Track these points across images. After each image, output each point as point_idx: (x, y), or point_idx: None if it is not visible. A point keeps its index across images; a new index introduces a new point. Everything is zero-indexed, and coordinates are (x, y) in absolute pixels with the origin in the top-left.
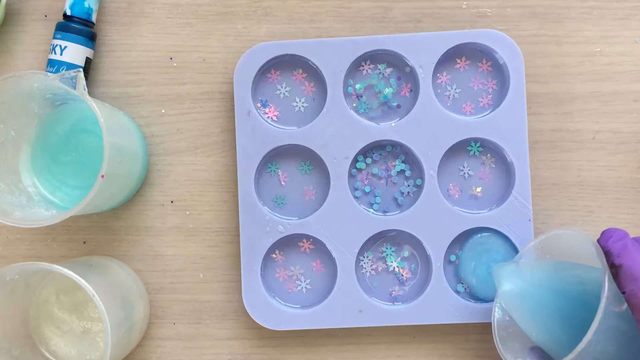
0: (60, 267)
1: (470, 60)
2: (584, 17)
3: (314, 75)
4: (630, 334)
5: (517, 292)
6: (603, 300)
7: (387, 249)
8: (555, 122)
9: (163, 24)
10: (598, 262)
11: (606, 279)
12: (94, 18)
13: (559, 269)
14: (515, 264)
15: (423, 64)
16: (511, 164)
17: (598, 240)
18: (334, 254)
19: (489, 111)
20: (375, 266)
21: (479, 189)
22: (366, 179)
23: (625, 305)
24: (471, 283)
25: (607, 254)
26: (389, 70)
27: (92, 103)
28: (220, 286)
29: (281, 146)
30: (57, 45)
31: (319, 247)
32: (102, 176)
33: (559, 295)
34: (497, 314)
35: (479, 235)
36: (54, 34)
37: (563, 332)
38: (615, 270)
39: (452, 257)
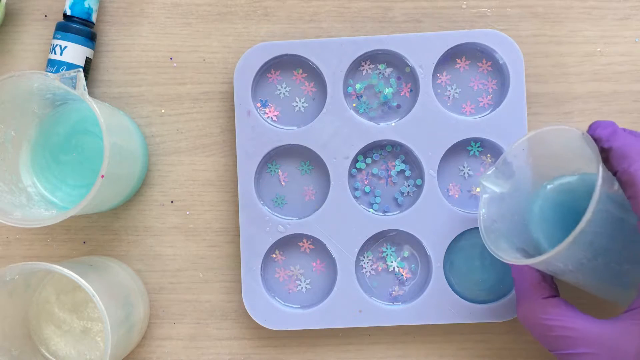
0: (60, 267)
1: (470, 60)
2: (584, 17)
3: (314, 75)
4: (621, 216)
5: (498, 197)
6: (599, 181)
7: (387, 249)
8: (555, 122)
9: (163, 24)
10: (581, 162)
11: (599, 161)
12: (94, 18)
13: (540, 173)
14: (496, 169)
15: (423, 64)
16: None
17: (587, 131)
18: (334, 254)
19: (489, 111)
20: (375, 266)
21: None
22: (366, 179)
23: (616, 186)
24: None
25: (597, 140)
26: (389, 70)
27: (92, 103)
28: (220, 286)
29: (281, 146)
30: (57, 45)
31: (319, 247)
32: (102, 176)
33: (540, 198)
34: (482, 217)
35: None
36: (54, 34)
37: (543, 234)
38: (605, 154)
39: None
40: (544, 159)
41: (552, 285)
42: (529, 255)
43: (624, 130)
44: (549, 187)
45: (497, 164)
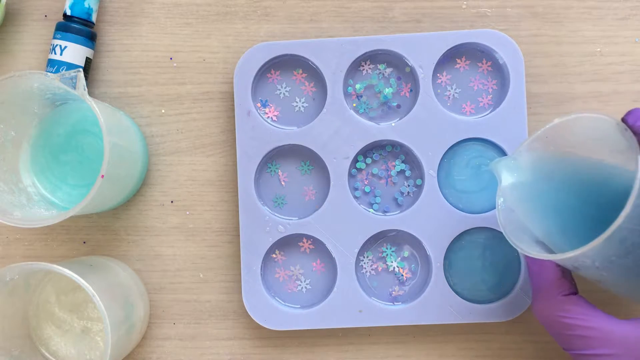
0: (60, 267)
1: (470, 60)
2: (584, 17)
3: (314, 75)
4: None
5: (518, 186)
6: (639, 174)
7: (387, 249)
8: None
9: (163, 24)
10: (605, 151)
11: (638, 152)
12: (94, 18)
13: (562, 162)
14: (514, 158)
15: (423, 64)
16: None
17: (625, 120)
18: (334, 254)
19: (489, 111)
20: (375, 266)
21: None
22: (366, 179)
23: None
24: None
25: (637, 132)
26: (389, 70)
27: (92, 103)
28: (220, 286)
29: (281, 146)
30: (57, 45)
31: (319, 247)
32: (102, 176)
33: (562, 189)
34: (500, 206)
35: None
36: (54, 34)
37: (563, 227)
38: None
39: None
40: (566, 148)
41: (571, 281)
42: (546, 247)
43: None
44: (572, 178)
45: (516, 151)
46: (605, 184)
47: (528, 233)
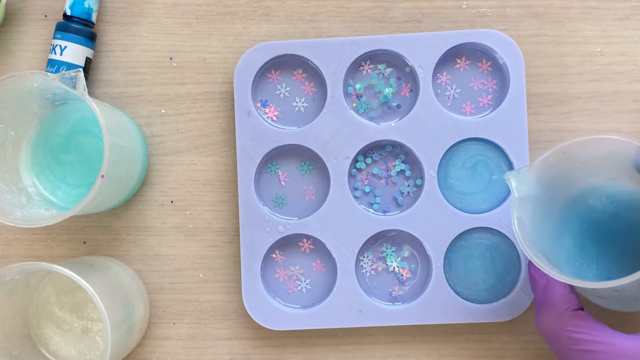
0: (60, 267)
1: (470, 60)
2: (584, 17)
3: (314, 75)
4: None
5: (530, 199)
6: None
7: (387, 249)
8: (555, 122)
9: (163, 24)
10: (619, 172)
11: None
12: (94, 18)
13: (576, 180)
14: (529, 170)
15: (423, 64)
16: (511, 164)
17: None
18: (334, 254)
19: (489, 111)
20: (375, 266)
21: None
22: (366, 179)
23: None
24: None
25: None
26: (389, 70)
27: (92, 103)
28: (220, 286)
29: (281, 146)
30: (57, 45)
31: (319, 247)
32: (102, 176)
33: (576, 209)
34: (516, 220)
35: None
36: (54, 34)
37: (575, 246)
38: None
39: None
40: (581, 166)
41: (578, 296)
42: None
43: None
44: (583, 197)
45: (534, 164)
46: (627, 205)
47: (537, 247)
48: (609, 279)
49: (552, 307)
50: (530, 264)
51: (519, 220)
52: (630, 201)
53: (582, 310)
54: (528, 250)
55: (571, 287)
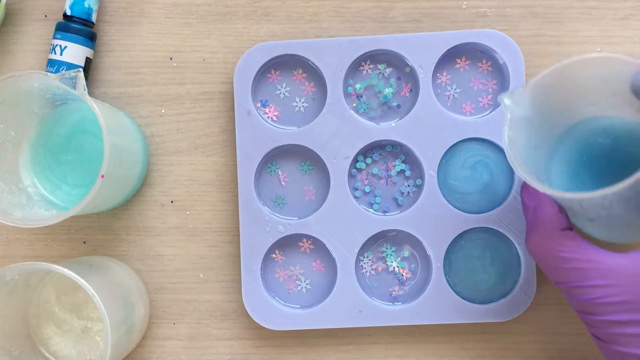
0: (60, 267)
1: (470, 60)
2: (584, 17)
3: (314, 75)
4: None
5: (522, 123)
6: None
7: (387, 249)
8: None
9: (163, 24)
10: (616, 99)
11: None
12: (94, 18)
13: (571, 106)
14: (524, 91)
15: (423, 64)
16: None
17: None
18: (334, 254)
19: (489, 111)
20: (375, 266)
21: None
22: (366, 179)
23: None
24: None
25: None
26: (389, 70)
27: (92, 103)
28: (220, 286)
29: (281, 146)
30: (57, 45)
31: (319, 247)
32: (102, 176)
33: (569, 135)
34: (506, 137)
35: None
36: (54, 34)
37: (566, 173)
38: None
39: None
40: (580, 91)
41: (567, 217)
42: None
43: None
44: (581, 126)
45: (529, 84)
46: (619, 132)
47: (528, 169)
48: (609, 224)
49: (541, 227)
50: (522, 188)
51: (510, 138)
52: (629, 132)
53: (571, 230)
54: (516, 164)
55: (560, 208)
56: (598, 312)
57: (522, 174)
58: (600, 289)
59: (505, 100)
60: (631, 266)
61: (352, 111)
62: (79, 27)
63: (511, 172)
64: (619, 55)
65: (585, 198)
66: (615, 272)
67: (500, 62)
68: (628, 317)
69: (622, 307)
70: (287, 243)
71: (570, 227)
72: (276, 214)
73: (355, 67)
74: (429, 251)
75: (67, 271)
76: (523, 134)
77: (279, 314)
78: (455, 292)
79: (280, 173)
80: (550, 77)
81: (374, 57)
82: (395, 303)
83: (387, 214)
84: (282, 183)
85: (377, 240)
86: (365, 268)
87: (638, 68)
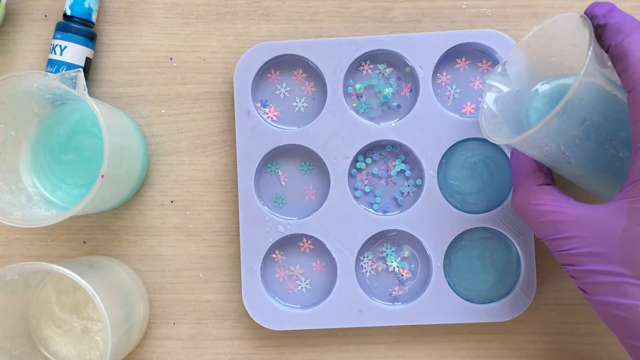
0: (60, 267)
1: (470, 60)
2: None
3: (314, 75)
4: (615, 93)
5: (504, 95)
6: (589, 52)
7: (387, 249)
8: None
9: (163, 24)
10: (580, 59)
11: (592, 35)
12: (94, 18)
13: (541, 72)
14: (502, 68)
15: (423, 64)
16: None
17: (585, 12)
18: (334, 254)
19: None
20: (375, 266)
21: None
22: (366, 179)
23: (609, 64)
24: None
25: (593, 17)
26: (389, 70)
27: (92, 103)
28: (220, 286)
29: (281, 146)
30: (57, 45)
31: (319, 247)
32: (102, 176)
33: (535, 98)
34: (484, 111)
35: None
36: (54, 34)
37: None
38: (600, 30)
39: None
40: (545, 57)
41: (547, 174)
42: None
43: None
44: (543, 87)
45: (502, 62)
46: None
47: (507, 136)
48: (584, 176)
49: (520, 185)
50: (510, 158)
51: (486, 111)
52: (601, 99)
53: (549, 185)
54: (484, 129)
55: (539, 166)
56: (575, 262)
57: (487, 134)
58: (575, 240)
59: (489, 81)
60: (599, 218)
61: (352, 111)
62: (79, 27)
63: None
64: (571, 12)
65: (525, 136)
66: (586, 223)
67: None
68: (601, 267)
69: (595, 258)
70: (287, 243)
71: (549, 182)
72: (276, 214)
73: (355, 67)
74: (429, 251)
75: (67, 271)
76: (503, 106)
77: (279, 314)
78: (455, 292)
79: (280, 173)
80: (521, 52)
81: (374, 57)
82: (395, 303)
83: (387, 214)
84: (282, 183)
85: (377, 240)
86: (365, 268)
87: (581, 15)
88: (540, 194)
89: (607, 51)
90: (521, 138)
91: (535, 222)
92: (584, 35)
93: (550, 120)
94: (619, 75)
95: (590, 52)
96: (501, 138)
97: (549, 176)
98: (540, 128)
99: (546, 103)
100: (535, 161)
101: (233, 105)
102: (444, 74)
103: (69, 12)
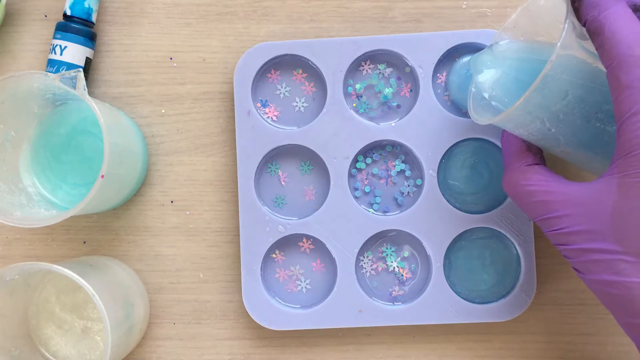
0: (60, 267)
1: None
2: None
3: (314, 75)
4: (595, 65)
5: (493, 79)
6: (565, 25)
7: (387, 249)
8: None
9: (163, 24)
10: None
11: (569, 9)
12: (94, 18)
13: (533, 49)
14: (490, 50)
15: (423, 64)
16: None
17: None
18: (334, 254)
19: None
20: (375, 266)
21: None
22: (366, 179)
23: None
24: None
25: None
26: (389, 70)
27: (92, 103)
28: (220, 286)
29: (281, 146)
30: (57, 45)
31: (319, 247)
32: (102, 176)
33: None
34: (472, 93)
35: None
36: (54, 34)
37: None
38: (578, 4)
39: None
40: (533, 37)
41: (537, 154)
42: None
43: None
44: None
45: (490, 45)
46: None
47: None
48: (574, 152)
49: (510, 165)
50: (500, 140)
51: (474, 94)
52: (582, 71)
53: (538, 165)
54: (471, 110)
55: (529, 146)
56: (567, 241)
57: (473, 115)
58: (566, 219)
59: (473, 63)
60: (589, 195)
61: (352, 111)
62: (79, 27)
63: None
64: None
65: (507, 113)
66: (576, 202)
67: None
68: (593, 245)
69: (587, 236)
70: (287, 243)
71: (539, 162)
72: (276, 214)
73: (355, 67)
74: (429, 251)
75: (67, 271)
76: (492, 87)
77: (279, 314)
78: (455, 292)
79: (280, 173)
80: (508, 34)
81: (374, 57)
82: (395, 303)
83: (387, 214)
84: (282, 183)
85: (377, 240)
86: (365, 268)
87: None
88: (529, 174)
89: (584, 25)
90: (502, 116)
91: (525, 202)
92: (564, 10)
93: (529, 95)
94: (596, 50)
95: (566, 25)
96: (485, 118)
97: (539, 156)
98: (521, 104)
99: (463, 74)
100: (525, 141)
101: (233, 105)
102: (444, 74)
103: (69, 12)
